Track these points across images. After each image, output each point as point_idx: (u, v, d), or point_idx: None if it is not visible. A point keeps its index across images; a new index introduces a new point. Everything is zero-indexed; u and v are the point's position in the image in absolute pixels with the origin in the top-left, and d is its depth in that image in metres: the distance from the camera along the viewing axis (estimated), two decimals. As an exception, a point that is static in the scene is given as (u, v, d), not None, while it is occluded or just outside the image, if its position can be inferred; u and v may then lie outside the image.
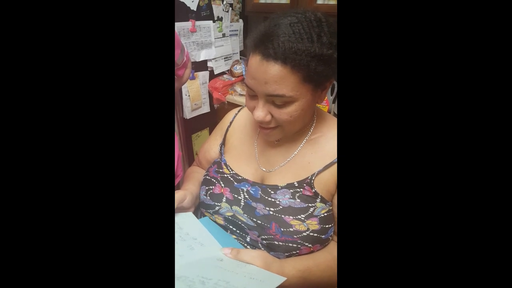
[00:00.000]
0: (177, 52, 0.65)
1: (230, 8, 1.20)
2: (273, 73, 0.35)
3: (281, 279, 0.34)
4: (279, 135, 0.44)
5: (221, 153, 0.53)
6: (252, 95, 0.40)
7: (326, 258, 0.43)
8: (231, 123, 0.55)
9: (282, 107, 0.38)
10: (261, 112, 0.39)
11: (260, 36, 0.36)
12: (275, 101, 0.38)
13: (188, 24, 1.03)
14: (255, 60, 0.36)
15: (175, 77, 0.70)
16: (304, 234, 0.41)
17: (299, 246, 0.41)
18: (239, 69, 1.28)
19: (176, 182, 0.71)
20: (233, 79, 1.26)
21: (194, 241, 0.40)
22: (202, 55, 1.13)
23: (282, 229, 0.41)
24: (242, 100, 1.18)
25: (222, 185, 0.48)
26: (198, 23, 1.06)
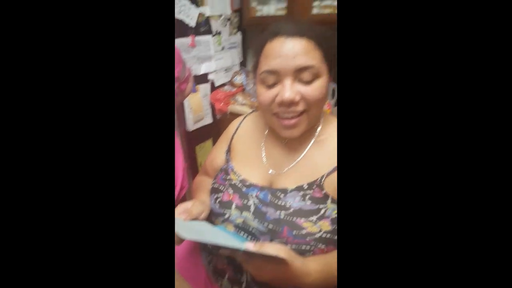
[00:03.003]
0: (179, 67, 0.67)
1: (228, 22, 1.24)
2: (301, 46, 0.38)
3: None
4: (304, 125, 0.42)
5: (227, 159, 0.54)
6: (272, 83, 0.40)
7: None
8: (236, 129, 0.56)
9: (311, 83, 0.39)
10: (290, 92, 0.39)
11: (277, 25, 0.41)
12: (304, 77, 0.39)
13: (187, 40, 1.06)
14: (278, 42, 0.39)
15: (179, 91, 0.72)
16: (317, 235, 0.41)
17: (312, 247, 0.41)
18: (239, 79, 1.31)
19: (182, 194, 0.71)
20: (234, 89, 1.29)
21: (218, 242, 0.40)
22: (202, 69, 1.16)
23: (295, 232, 0.41)
24: (244, 109, 1.20)
25: (231, 192, 0.48)
26: (197, 38, 1.10)
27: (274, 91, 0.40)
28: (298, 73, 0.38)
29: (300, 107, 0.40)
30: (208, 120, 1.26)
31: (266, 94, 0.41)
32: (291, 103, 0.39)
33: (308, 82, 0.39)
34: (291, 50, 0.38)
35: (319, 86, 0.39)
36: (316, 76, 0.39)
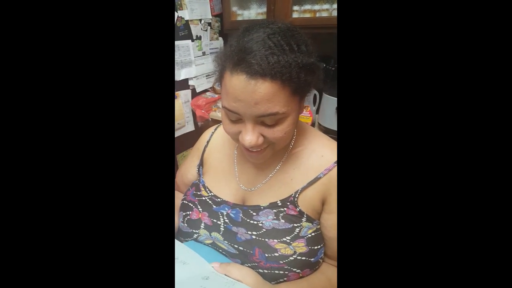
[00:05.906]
0: None
1: (209, 27, 1.21)
2: (264, 92, 0.31)
3: None
4: (269, 155, 0.39)
5: (199, 174, 0.50)
6: (236, 120, 0.35)
7: (320, 280, 0.39)
8: (208, 142, 0.52)
9: (275, 126, 0.34)
10: (252, 137, 0.34)
11: (238, 52, 0.32)
12: (266, 121, 0.34)
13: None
14: (238, 80, 0.31)
15: None
16: (291, 258, 0.37)
17: (286, 272, 0.37)
18: (221, 85, 1.27)
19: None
20: (216, 96, 1.25)
21: (176, 260, 0.36)
22: (182, 74, 1.12)
23: (267, 255, 0.37)
24: (226, 116, 1.16)
25: (200, 209, 0.44)
26: (176, 42, 1.06)
27: (237, 127, 0.36)
28: (260, 118, 0.33)
29: (264, 145, 0.37)
30: (190, 127, 1.22)
31: (230, 127, 0.37)
32: (254, 146, 0.36)
33: (271, 125, 0.34)
34: (251, 96, 0.31)
35: (284, 127, 0.34)
36: (280, 119, 0.34)
